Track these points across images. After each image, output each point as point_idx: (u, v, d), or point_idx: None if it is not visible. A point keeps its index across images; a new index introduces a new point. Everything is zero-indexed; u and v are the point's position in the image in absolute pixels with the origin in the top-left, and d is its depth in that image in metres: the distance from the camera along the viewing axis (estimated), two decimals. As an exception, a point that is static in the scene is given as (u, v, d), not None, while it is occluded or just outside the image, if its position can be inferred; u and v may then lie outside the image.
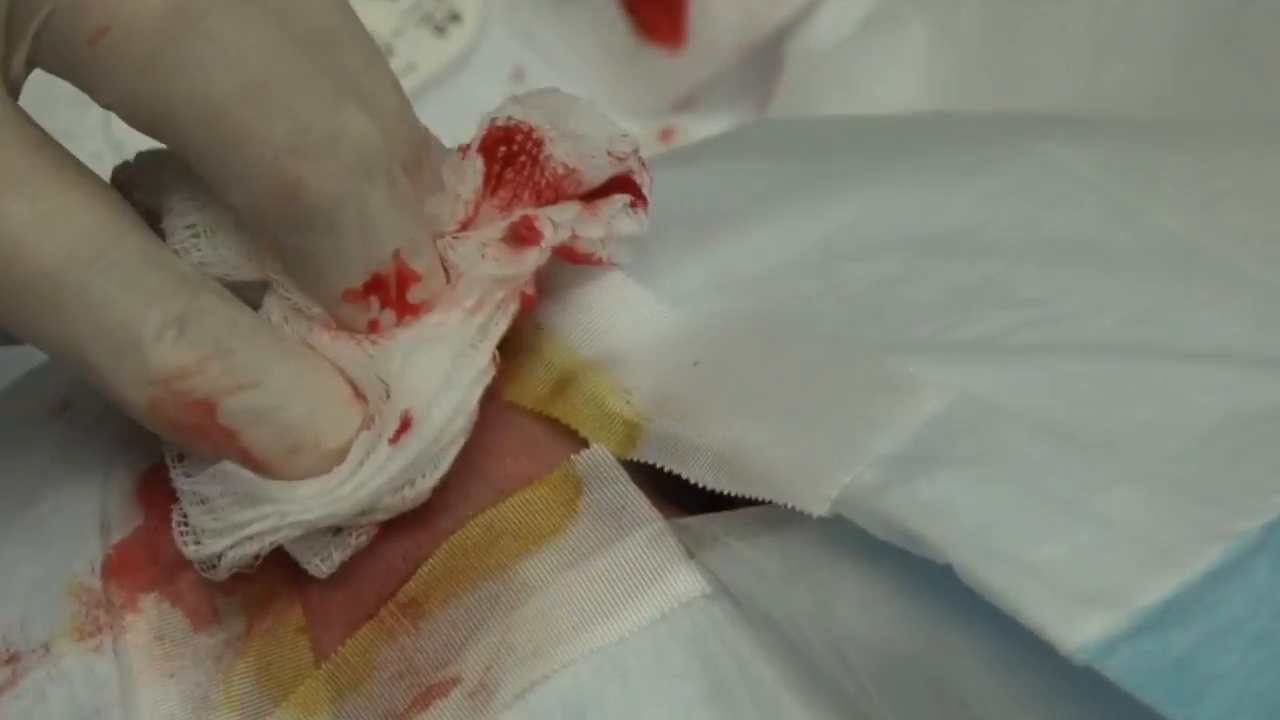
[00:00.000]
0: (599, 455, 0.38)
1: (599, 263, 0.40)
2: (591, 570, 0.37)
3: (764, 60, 0.64)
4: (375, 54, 0.39)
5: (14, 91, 0.38)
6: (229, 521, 0.38)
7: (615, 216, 0.40)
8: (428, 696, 0.37)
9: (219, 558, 0.39)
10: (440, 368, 0.38)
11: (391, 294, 0.38)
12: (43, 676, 0.40)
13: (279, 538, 0.38)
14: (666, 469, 0.38)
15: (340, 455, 0.38)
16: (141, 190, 0.40)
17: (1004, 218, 0.42)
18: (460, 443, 0.38)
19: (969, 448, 0.35)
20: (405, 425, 0.38)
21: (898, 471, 0.34)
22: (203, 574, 0.39)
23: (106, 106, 0.38)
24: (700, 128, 0.65)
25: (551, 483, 0.38)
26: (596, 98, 0.63)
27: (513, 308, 0.39)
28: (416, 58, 0.64)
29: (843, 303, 0.40)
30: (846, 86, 0.61)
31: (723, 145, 0.49)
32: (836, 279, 0.40)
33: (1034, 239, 0.41)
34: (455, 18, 0.64)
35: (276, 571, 0.39)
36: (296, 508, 0.38)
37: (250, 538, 0.38)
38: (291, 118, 0.36)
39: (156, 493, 0.41)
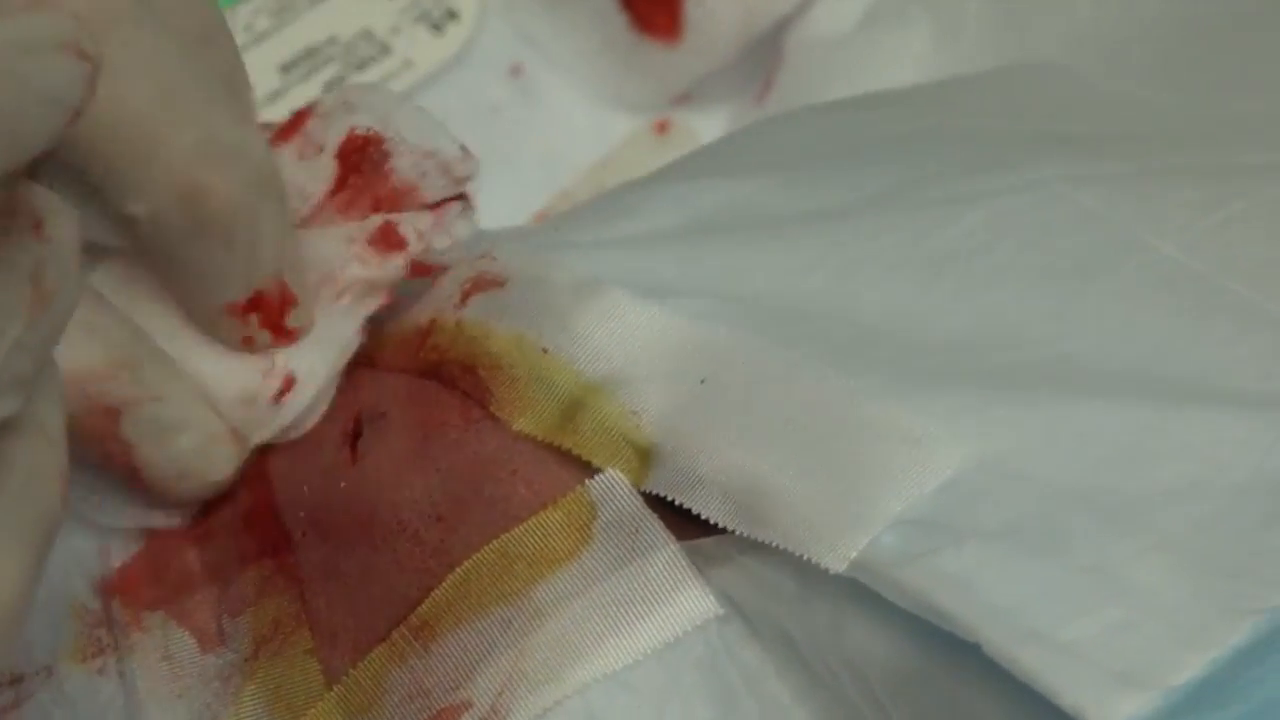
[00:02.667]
0: (613, 479, 0.38)
1: (442, 269, 0.42)
2: (605, 595, 0.37)
3: (762, 54, 0.64)
4: (236, 48, 0.40)
5: None
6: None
7: (454, 223, 0.42)
8: (438, 720, 0.37)
9: None
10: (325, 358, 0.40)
11: (273, 314, 0.40)
12: (47, 699, 0.39)
13: None
14: (678, 502, 0.37)
15: (218, 488, 0.40)
16: None
17: (1010, 241, 0.42)
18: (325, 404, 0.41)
19: (992, 517, 0.35)
20: (288, 387, 0.40)
21: (920, 539, 0.34)
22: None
23: None
24: (697, 121, 0.65)
25: (566, 507, 0.38)
26: (594, 93, 0.65)
27: (377, 302, 0.41)
28: (413, 55, 0.63)
29: (852, 339, 0.39)
30: (847, 81, 0.60)
31: (724, 154, 0.48)
32: (847, 310, 0.40)
33: (1041, 264, 0.41)
34: (452, 15, 0.64)
35: (282, 594, 0.39)
36: None
37: None
38: (200, 125, 0.37)
39: None
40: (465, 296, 0.41)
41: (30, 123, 0.29)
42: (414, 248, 0.41)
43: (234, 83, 0.39)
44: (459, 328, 0.41)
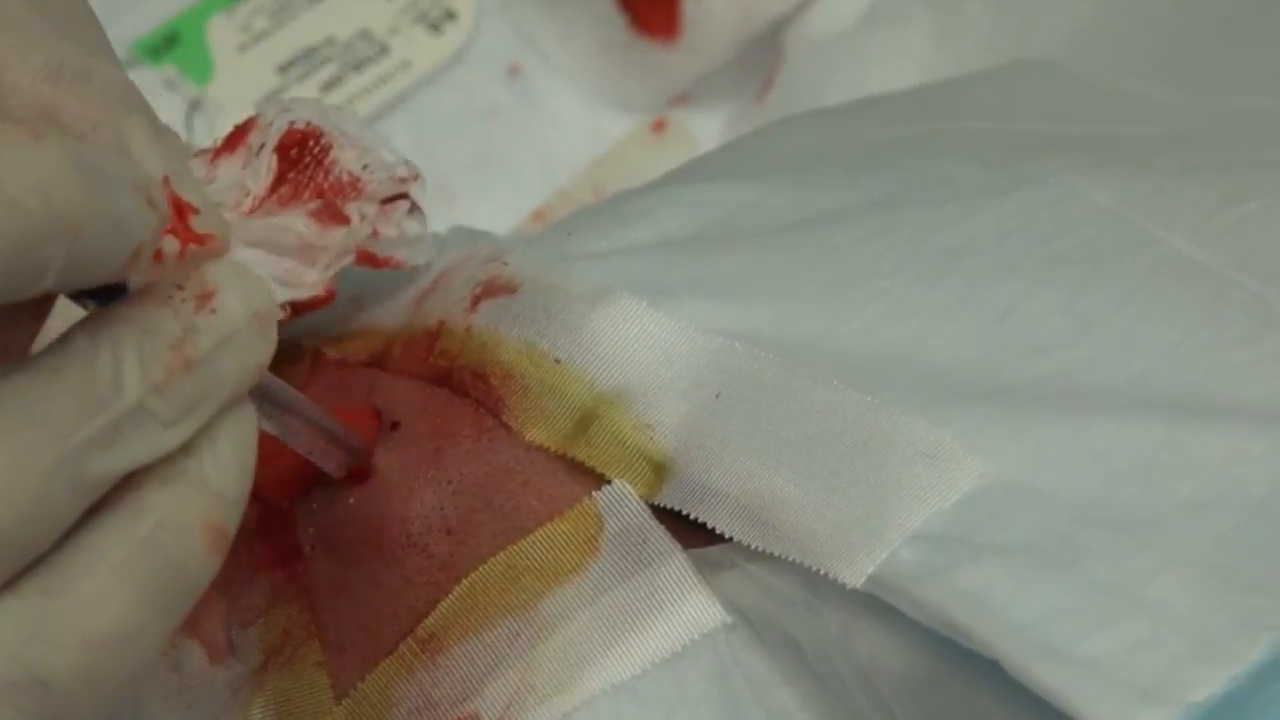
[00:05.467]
0: (620, 490, 0.38)
1: (398, 265, 0.41)
2: (612, 606, 0.37)
3: (760, 54, 0.63)
4: (111, 56, 0.38)
5: None
6: None
7: (402, 220, 0.41)
8: (446, 733, 0.37)
9: None
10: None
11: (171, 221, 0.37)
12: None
13: None
14: (692, 515, 0.37)
15: None
16: None
17: (1020, 237, 0.42)
18: None
19: (1010, 534, 0.35)
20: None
21: (938, 555, 0.34)
22: None
23: None
24: (695, 121, 0.65)
25: (573, 518, 0.38)
26: (591, 93, 0.65)
27: (319, 278, 0.40)
28: (412, 55, 0.63)
29: (863, 335, 0.39)
30: (848, 79, 0.60)
31: (732, 159, 0.48)
32: (857, 300, 0.40)
33: (1052, 257, 0.41)
34: (451, 15, 0.64)
35: (292, 605, 0.39)
36: None
37: None
38: (48, 51, 0.35)
39: None
40: (476, 301, 0.41)
41: (93, 245, 0.29)
42: (358, 228, 0.40)
43: (83, 21, 0.38)
44: (469, 334, 0.41)
